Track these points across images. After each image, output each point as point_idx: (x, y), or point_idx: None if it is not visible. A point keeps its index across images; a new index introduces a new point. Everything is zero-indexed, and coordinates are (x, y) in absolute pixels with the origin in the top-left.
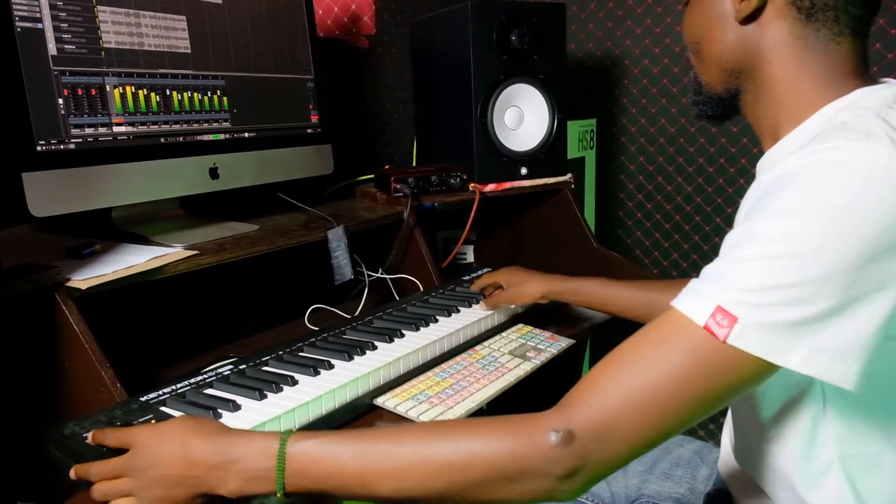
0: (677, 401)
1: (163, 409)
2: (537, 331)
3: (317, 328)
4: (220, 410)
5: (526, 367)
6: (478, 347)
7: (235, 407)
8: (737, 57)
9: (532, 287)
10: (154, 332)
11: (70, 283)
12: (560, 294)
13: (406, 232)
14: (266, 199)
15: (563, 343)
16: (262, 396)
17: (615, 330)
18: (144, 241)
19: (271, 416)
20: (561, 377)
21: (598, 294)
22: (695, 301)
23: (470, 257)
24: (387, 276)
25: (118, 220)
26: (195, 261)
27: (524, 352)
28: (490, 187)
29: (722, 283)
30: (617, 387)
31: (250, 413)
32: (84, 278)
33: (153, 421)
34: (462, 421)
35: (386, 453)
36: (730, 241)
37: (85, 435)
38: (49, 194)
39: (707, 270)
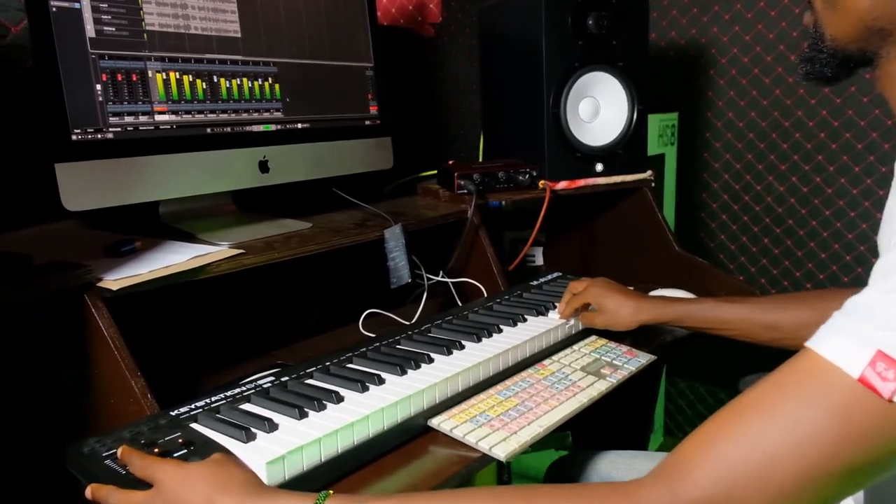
0: (820, 475)
1: (193, 426)
2: (612, 344)
3: (372, 334)
4: (254, 430)
5: (601, 387)
6: (546, 362)
7: (272, 427)
8: (892, 14)
9: (630, 314)
10: (199, 337)
11: (101, 284)
12: (665, 321)
13: (470, 232)
14: (321, 196)
15: (643, 359)
16: (303, 415)
17: (699, 344)
18: (191, 238)
19: (310, 440)
20: (632, 395)
21: (710, 319)
22: (844, 344)
23: (539, 260)
24: (448, 280)
25: (166, 216)
26: (239, 261)
27: (598, 368)
28: (562, 185)
29: (878, 319)
30: (740, 453)
31: (287, 435)
32: (116, 278)
33: (180, 440)
34: (534, 490)
35: None
36: (882, 267)
37: (105, 454)
38: (84, 187)
39: (854, 303)
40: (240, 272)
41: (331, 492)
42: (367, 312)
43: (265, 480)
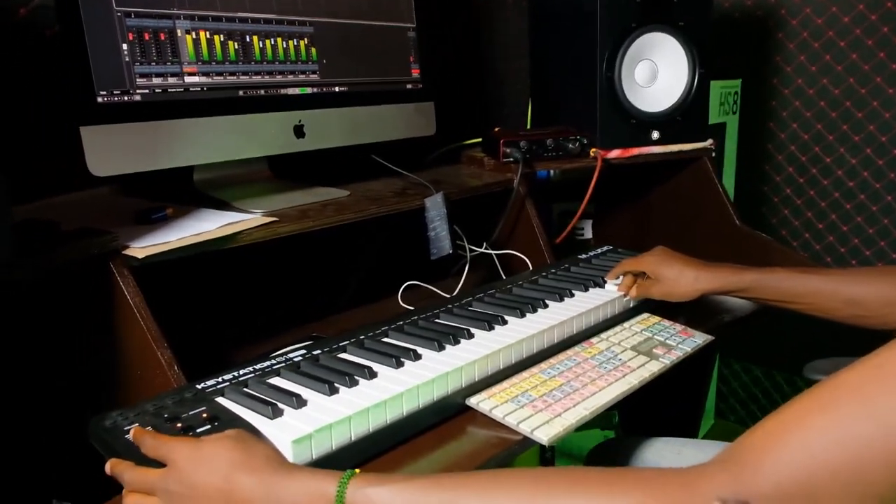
0: None
1: (219, 400)
2: (666, 322)
3: (411, 308)
4: (281, 406)
5: (653, 368)
6: (594, 340)
7: (300, 402)
8: None
9: (691, 282)
10: (234, 309)
11: (127, 252)
12: (730, 291)
13: (516, 202)
14: (360, 163)
15: (699, 340)
16: (333, 391)
17: (758, 323)
18: (224, 206)
19: (340, 417)
20: (684, 377)
21: (783, 290)
22: None
23: (588, 233)
24: (492, 252)
25: (199, 184)
26: (273, 229)
27: (650, 348)
28: (614, 153)
29: None
30: (827, 446)
31: (316, 411)
32: (143, 246)
33: (204, 415)
34: (581, 472)
35: None
36: None
37: (127, 428)
38: (111, 151)
39: None
40: (275, 242)
41: (357, 471)
42: (406, 285)
43: (291, 460)
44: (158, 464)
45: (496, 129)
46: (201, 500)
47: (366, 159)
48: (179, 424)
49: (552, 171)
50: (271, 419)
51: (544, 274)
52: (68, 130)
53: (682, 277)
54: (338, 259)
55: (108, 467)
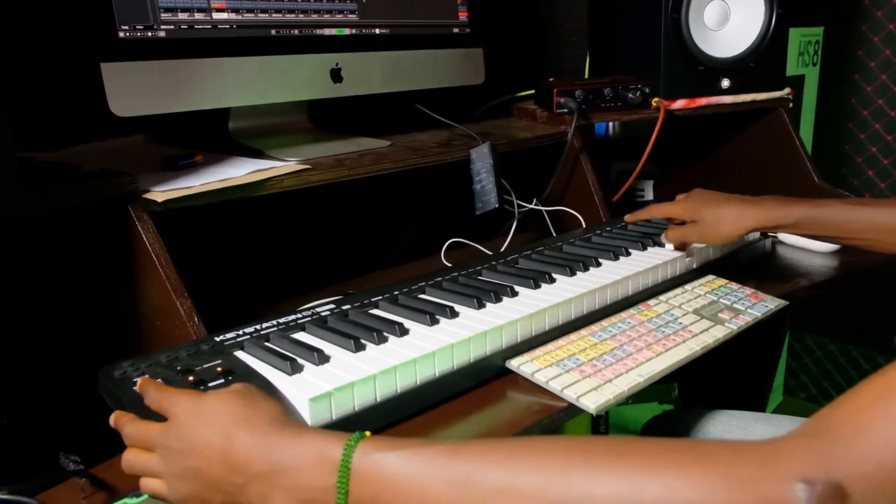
0: None
1: (238, 353)
2: (734, 285)
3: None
4: (301, 361)
5: (717, 333)
6: (651, 302)
7: (322, 359)
8: None
9: (733, 220)
10: (268, 264)
11: (148, 196)
12: (780, 226)
13: (569, 156)
14: (405, 114)
15: (771, 304)
16: (359, 347)
17: (835, 292)
18: (259, 155)
19: (364, 375)
20: (751, 348)
21: (837, 224)
22: None
23: (648, 194)
24: (542, 208)
25: (235, 132)
26: (305, 177)
27: (715, 312)
28: (679, 104)
29: None
30: None
31: (339, 368)
32: (164, 190)
33: (219, 368)
34: (628, 442)
35: (500, 487)
36: None
37: (136, 379)
38: (133, 91)
39: None
40: (310, 193)
41: (367, 433)
42: (449, 242)
43: (308, 420)
44: (162, 418)
45: (550, 80)
46: (199, 458)
47: (411, 110)
48: (191, 378)
49: (611, 127)
50: (289, 375)
51: (598, 232)
52: (93, 72)
53: (723, 216)
54: (378, 215)
55: (111, 420)
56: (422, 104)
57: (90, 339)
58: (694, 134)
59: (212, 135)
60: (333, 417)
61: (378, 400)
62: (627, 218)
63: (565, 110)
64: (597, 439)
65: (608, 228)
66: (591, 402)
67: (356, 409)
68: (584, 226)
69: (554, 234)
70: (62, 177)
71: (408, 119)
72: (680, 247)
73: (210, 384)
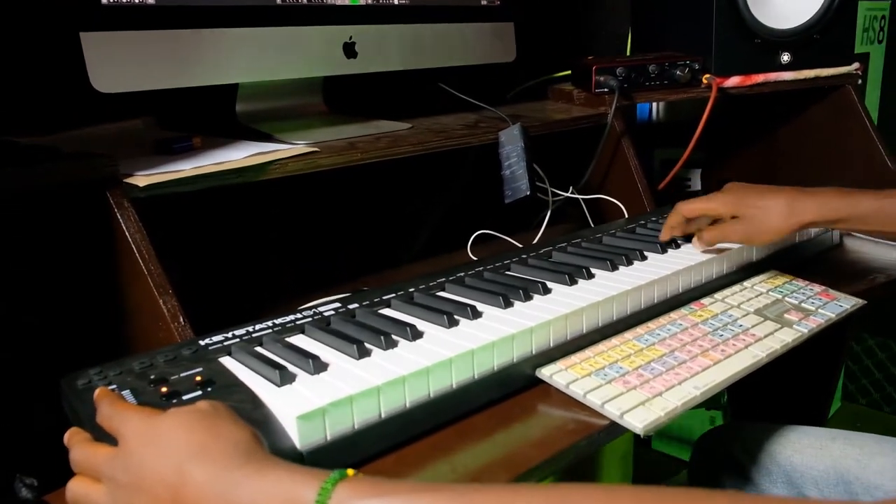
0: None
1: (223, 360)
2: (800, 282)
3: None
4: (293, 369)
5: (785, 337)
6: (706, 301)
7: (318, 367)
8: None
9: (783, 213)
10: (277, 260)
11: (130, 180)
12: (841, 221)
13: (610, 139)
14: (430, 96)
15: (846, 304)
16: (363, 353)
17: None
18: (267, 139)
19: (366, 387)
20: (811, 352)
21: None
22: None
23: (696, 184)
24: (579, 196)
25: (243, 116)
26: (312, 160)
27: (781, 312)
28: (733, 81)
29: None
30: None
31: (337, 378)
32: (148, 173)
33: (198, 378)
34: (688, 495)
35: None
36: None
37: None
38: (118, 64)
39: None
40: (320, 182)
41: (350, 471)
42: (476, 234)
43: (296, 442)
44: (115, 440)
45: (588, 58)
46: (147, 495)
47: (435, 91)
48: (165, 389)
49: (654, 110)
50: (278, 386)
51: (643, 222)
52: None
53: (770, 209)
54: (396, 205)
55: (65, 438)
56: (446, 83)
57: (65, 342)
58: (748, 116)
59: (218, 119)
60: (328, 438)
61: (383, 416)
62: (662, 238)
63: (605, 89)
64: (657, 493)
65: (654, 219)
66: (638, 421)
67: (356, 427)
68: (626, 216)
69: (592, 226)
70: (34, 158)
71: (432, 101)
72: (711, 245)
73: (185, 396)
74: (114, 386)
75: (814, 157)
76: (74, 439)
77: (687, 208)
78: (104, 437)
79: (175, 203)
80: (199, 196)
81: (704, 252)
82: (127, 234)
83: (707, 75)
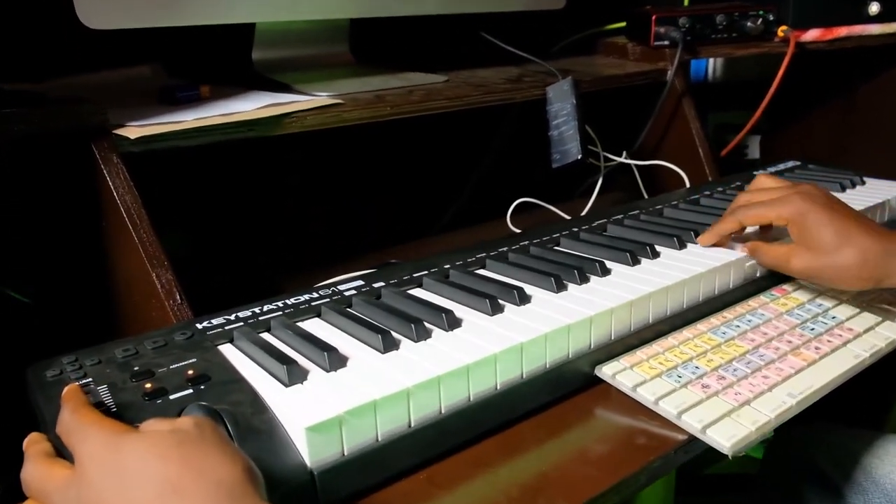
0: None
1: (222, 348)
2: None
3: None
4: (305, 364)
5: (891, 333)
6: (788, 287)
7: (336, 362)
8: None
9: (859, 266)
10: (289, 227)
11: (121, 131)
12: None
13: (670, 99)
14: (470, 47)
15: None
16: (390, 346)
17: None
18: (286, 90)
19: (394, 389)
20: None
21: None
22: None
23: (754, 152)
24: (633, 162)
25: (260, 64)
26: (335, 114)
27: (880, 301)
28: (812, 34)
29: None
30: None
31: (358, 376)
32: (143, 124)
33: (190, 371)
34: None
35: None
36: None
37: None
38: None
39: None
40: (344, 139)
41: None
42: (517, 202)
43: (307, 458)
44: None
45: (646, 7)
46: None
47: (473, 40)
48: (149, 385)
49: (710, 70)
50: (286, 386)
51: (707, 192)
52: None
53: (845, 251)
54: (429, 167)
55: (24, 444)
56: (484, 30)
57: (48, 320)
58: (821, 75)
59: (233, 67)
60: (345, 453)
61: (413, 426)
62: (704, 241)
63: (666, 42)
64: None
65: (720, 189)
66: (725, 438)
67: (380, 439)
68: (687, 185)
69: (645, 196)
70: (7, 103)
71: (471, 52)
72: (767, 264)
73: (172, 396)
74: (89, 379)
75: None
76: (31, 450)
77: (749, 215)
78: (65, 450)
79: (175, 161)
80: (203, 153)
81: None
82: (115, 194)
83: (783, 27)
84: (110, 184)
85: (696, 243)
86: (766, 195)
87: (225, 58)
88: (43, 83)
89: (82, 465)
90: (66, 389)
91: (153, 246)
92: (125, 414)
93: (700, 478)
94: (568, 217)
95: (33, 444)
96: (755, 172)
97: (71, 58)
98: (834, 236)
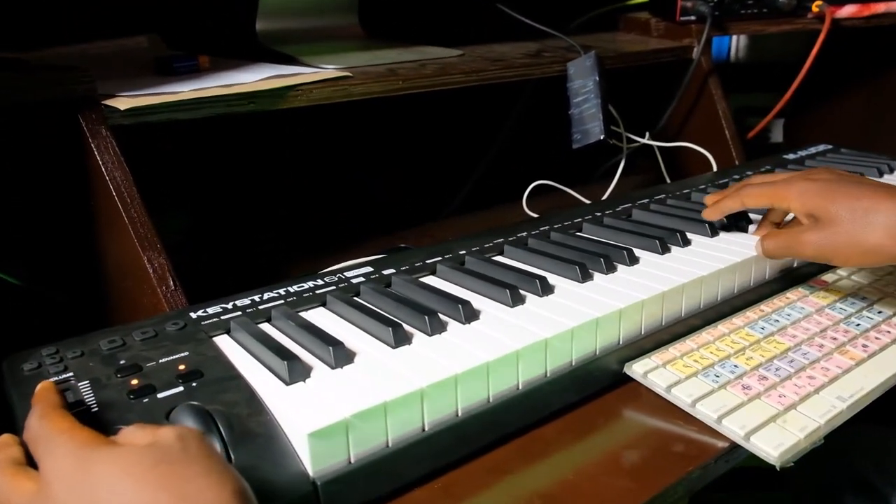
0: None
1: (217, 340)
2: None
3: (538, 216)
4: (308, 359)
5: None
6: (828, 278)
7: (342, 357)
8: None
9: (891, 228)
10: (292, 208)
11: (111, 102)
12: None
13: (695, 78)
14: (486, 21)
15: None
16: (401, 340)
17: None
18: (291, 62)
19: (404, 391)
20: None
21: None
22: None
23: (777, 136)
24: (657, 144)
25: (264, 36)
26: (343, 87)
27: None
28: (848, 10)
29: None
30: None
31: (367, 375)
32: (135, 94)
33: (181, 366)
34: None
35: None
36: None
37: (59, 380)
38: None
39: None
40: (352, 115)
41: None
42: (534, 185)
43: (309, 468)
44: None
45: None
46: None
47: (489, 13)
48: (135, 381)
49: (734, 47)
50: (287, 384)
51: (736, 176)
52: None
53: (871, 217)
54: (441, 147)
55: None
56: (506, 6)
57: (31, 307)
58: (852, 55)
59: (236, 39)
60: (352, 461)
61: (427, 430)
62: (706, 215)
63: (692, 17)
64: None
65: (748, 172)
66: (771, 446)
67: (390, 445)
68: (714, 168)
69: (668, 180)
70: None
71: (487, 26)
72: (774, 256)
73: (160, 394)
74: (70, 374)
75: None
76: (1, 456)
77: (752, 194)
78: (32, 458)
79: (170, 136)
80: (201, 128)
81: None
82: (104, 170)
83: (818, 2)
84: (98, 159)
85: (728, 231)
86: (772, 177)
87: (227, 29)
88: (31, 53)
89: (47, 482)
90: (38, 388)
91: (145, 227)
92: (107, 414)
93: None
94: (587, 201)
95: (4, 448)
96: (785, 156)
97: (64, 27)
98: (850, 207)
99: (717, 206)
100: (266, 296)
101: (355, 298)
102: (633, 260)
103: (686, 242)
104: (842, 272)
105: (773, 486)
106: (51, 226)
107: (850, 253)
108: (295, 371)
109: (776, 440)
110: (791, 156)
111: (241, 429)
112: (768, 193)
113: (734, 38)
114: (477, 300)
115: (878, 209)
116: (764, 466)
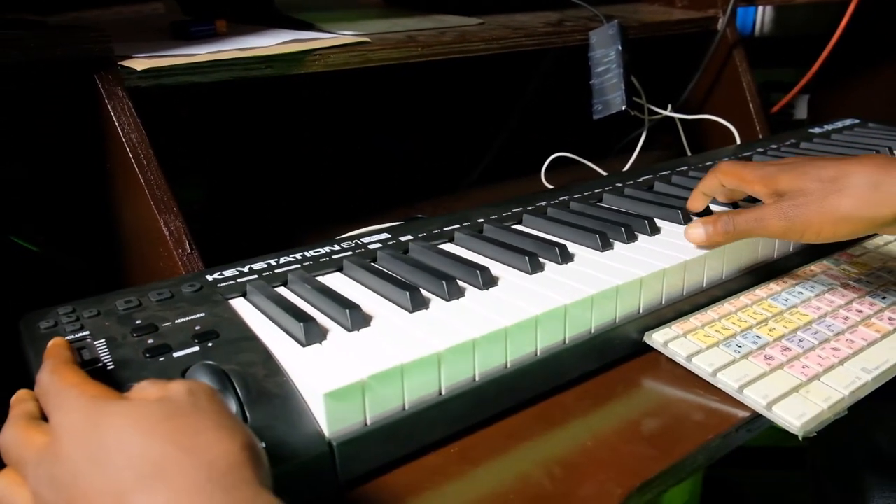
0: None
1: (233, 302)
2: None
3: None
4: (324, 322)
5: None
6: (854, 251)
7: (359, 320)
8: None
9: (866, 195)
10: (308, 176)
11: (128, 63)
12: None
13: (720, 49)
14: None
15: None
16: (418, 304)
17: None
18: (308, 27)
19: (421, 354)
20: None
21: None
22: None
23: (801, 112)
24: (679, 116)
25: (281, 3)
26: (361, 53)
27: None
28: None
29: None
30: None
31: (384, 338)
32: (152, 55)
33: (197, 326)
34: None
35: None
36: None
37: (74, 338)
38: None
39: None
40: (370, 82)
41: None
42: (553, 157)
43: (325, 429)
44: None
45: None
46: None
47: None
48: (151, 341)
49: (759, 21)
50: (303, 346)
51: (760, 150)
52: None
53: (844, 185)
54: (460, 116)
55: (11, 401)
56: None
57: (48, 269)
58: (882, 29)
59: (252, 5)
60: (368, 422)
61: (444, 394)
62: (692, 206)
63: None
64: None
65: (773, 146)
66: (794, 416)
67: (407, 408)
68: (737, 140)
69: (689, 153)
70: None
71: None
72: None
73: (176, 354)
74: (86, 332)
75: None
76: (14, 411)
77: (728, 170)
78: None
79: (187, 99)
80: (217, 92)
81: None
82: (120, 132)
83: None
84: (115, 120)
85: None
86: (742, 164)
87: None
88: (48, 16)
89: (56, 437)
90: (49, 344)
91: (161, 189)
92: (122, 372)
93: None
94: (606, 174)
95: (20, 401)
96: (811, 130)
97: None
98: (818, 177)
99: (696, 189)
100: (282, 260)
101: (372, 264)
102: (655, 230)
103: (708, 214)
104: (867, 245)
105: (791, 465)
106: (67, 190)
107: (822, 223)
108: (311, 333)
109: (798, 410)
110: (817, 129)
111: (257, 389)
112: (736, 171)
113: (759, 11)
114: (495, 266)
115: (848, 173)
116: (781, 446)
